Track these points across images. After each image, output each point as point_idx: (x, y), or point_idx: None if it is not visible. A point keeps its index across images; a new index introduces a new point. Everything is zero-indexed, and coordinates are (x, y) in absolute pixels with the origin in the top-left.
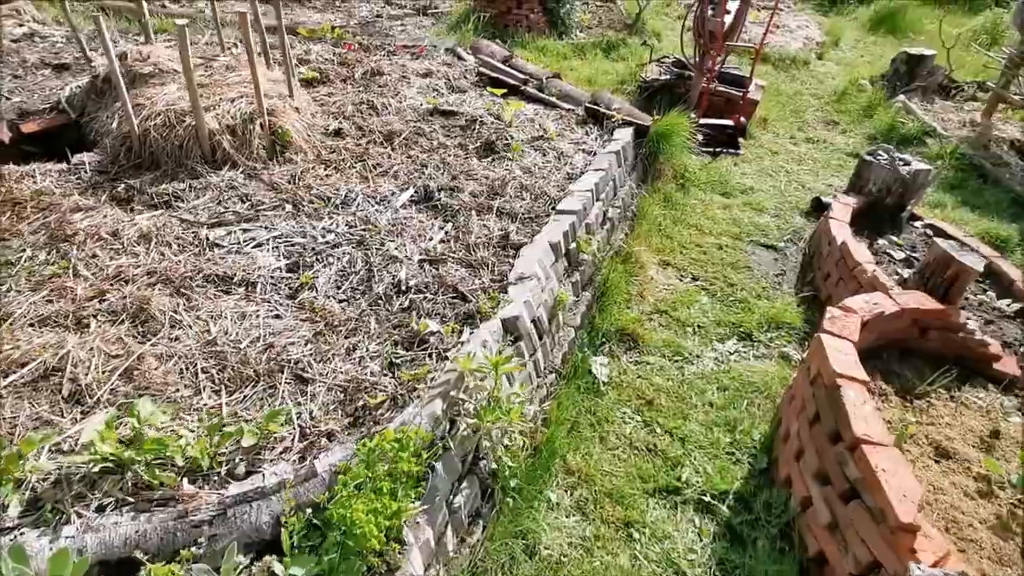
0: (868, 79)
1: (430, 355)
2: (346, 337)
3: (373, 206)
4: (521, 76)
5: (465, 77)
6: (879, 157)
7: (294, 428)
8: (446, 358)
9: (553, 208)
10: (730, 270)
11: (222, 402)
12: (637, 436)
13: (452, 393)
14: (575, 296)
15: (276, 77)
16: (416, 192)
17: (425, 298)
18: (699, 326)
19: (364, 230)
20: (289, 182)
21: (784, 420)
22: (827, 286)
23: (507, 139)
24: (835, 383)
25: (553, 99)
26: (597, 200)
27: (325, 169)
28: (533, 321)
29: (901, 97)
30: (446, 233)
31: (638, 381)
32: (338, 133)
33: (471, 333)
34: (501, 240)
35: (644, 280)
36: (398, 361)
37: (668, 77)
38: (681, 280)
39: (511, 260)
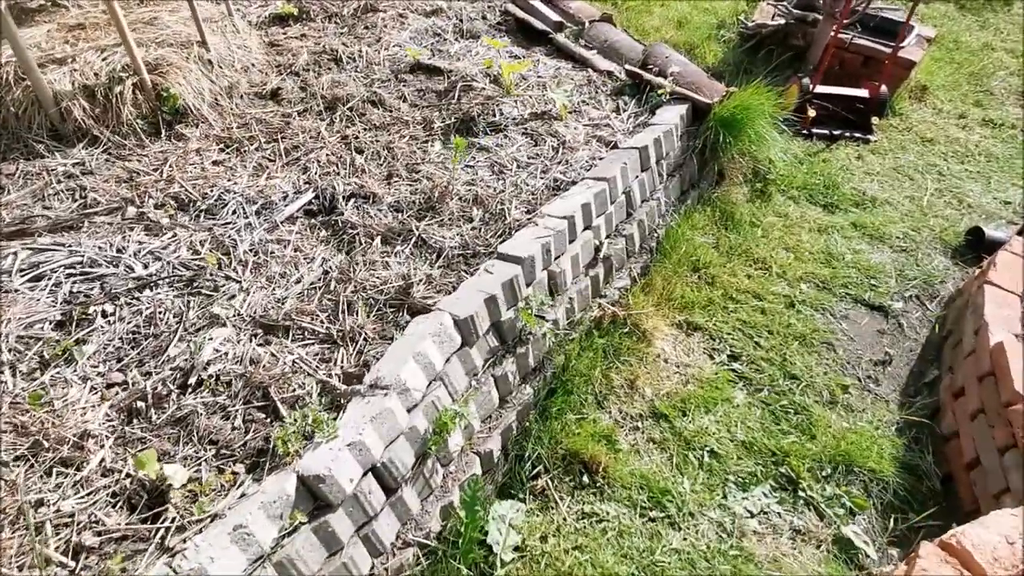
0: None
1: (157, 532)
2: (48, 472)
3: (246, 217)
4: (554, 19)
5: (485, 17)
6: None
7: None
8: (170, 549)
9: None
10: (796, 347)
11: None
12: None
13: None
14: (501, 398)
15: (214, 15)
16: (317, 197)
17: (218, 404)
18: (713, 452)
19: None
20: (156, 170)
21: None
22: (955, 409)
23: (495, 114)
24: None
25: (591, 55)
26: (584, 230)
27: (222, 151)
28: (374, 469)
29: None
30: (325, 272)
31: (568, 559)
32: (275, 95)
33: (242, 495)
34: (399, 295)
35: (645, 357)
36: (92, 542)
37: (783, 22)
38: (712, 357)
39: (400, 332)
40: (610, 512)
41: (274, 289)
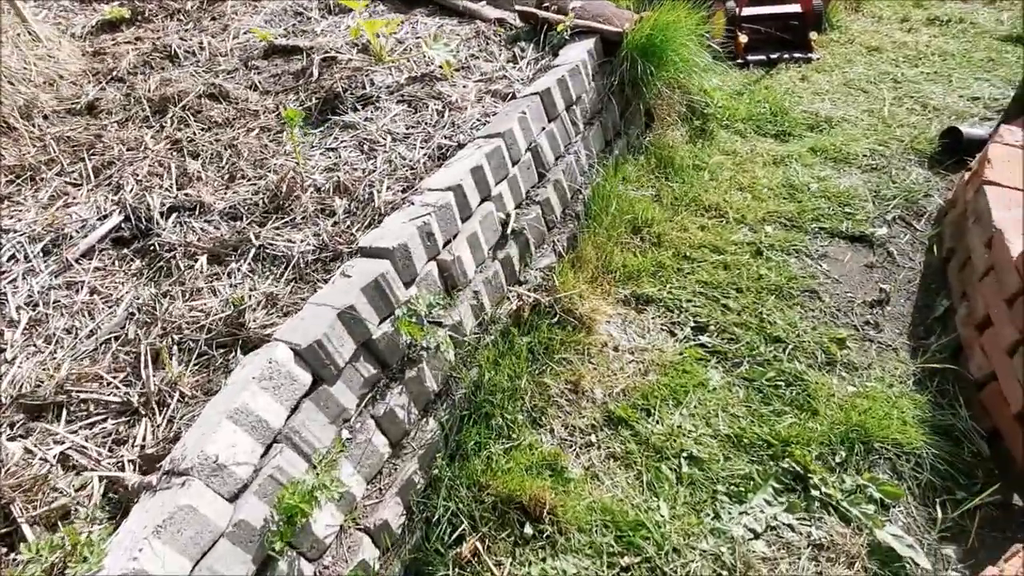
0: None
1: None
2: None
3: (27, 261)
4: None
5: None
6: None
7: None
8: None
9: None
10: (773, 302)
11: None
12: None
13: None
14: (392, 443)
15: (4, 25)
16: (128, 220)
17: None
18: (692, 457)
19: None
20: None
21: None
22: (982, 345)
23: (365, 86)
24: None
25: (479, 6)
26: (483, 202)
27: (10, 184)
28: None
29: None
30: (131, 315)
31: None
32: (92, 108)
33: None
34: (230, 329)
35: (588, 349)
36: None
37: None
38: (673, 334)
39: (224, 381)
40: (567, 569)
41: (55, 352)
